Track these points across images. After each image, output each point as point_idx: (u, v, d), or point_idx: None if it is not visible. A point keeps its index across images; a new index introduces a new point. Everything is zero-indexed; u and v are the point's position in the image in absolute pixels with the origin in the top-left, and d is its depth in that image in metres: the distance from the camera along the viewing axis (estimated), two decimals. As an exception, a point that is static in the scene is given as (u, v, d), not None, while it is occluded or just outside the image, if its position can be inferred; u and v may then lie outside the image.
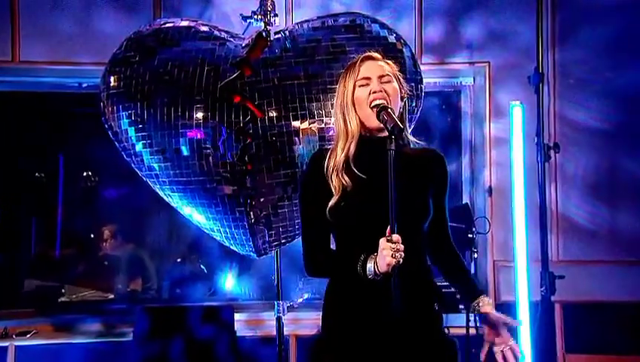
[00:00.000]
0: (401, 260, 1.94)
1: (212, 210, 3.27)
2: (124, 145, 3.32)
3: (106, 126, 3.36)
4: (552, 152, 3.75)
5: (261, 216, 3.25)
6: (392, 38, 3.36)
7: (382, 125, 2.07)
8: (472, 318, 4.14)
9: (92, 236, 5.93)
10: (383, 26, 3.42)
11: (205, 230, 3.48)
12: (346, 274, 2.07)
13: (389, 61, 2.26)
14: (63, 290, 5.28)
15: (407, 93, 2.26)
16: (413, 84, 3.32)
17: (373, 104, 2.11)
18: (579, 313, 4.35)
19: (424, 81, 4.75)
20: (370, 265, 2.02)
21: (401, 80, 2.24)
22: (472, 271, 4.32)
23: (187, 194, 3.27)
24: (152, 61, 3.25)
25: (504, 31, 4.69)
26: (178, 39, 3.31)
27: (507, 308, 4.21)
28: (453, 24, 4.68)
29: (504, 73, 4.65)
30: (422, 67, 4.62)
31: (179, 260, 5.98)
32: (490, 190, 4.61)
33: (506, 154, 4.36)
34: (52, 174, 5.75)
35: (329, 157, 2.16)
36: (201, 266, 5.78)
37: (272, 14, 3.49)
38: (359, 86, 2.16)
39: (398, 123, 2.02)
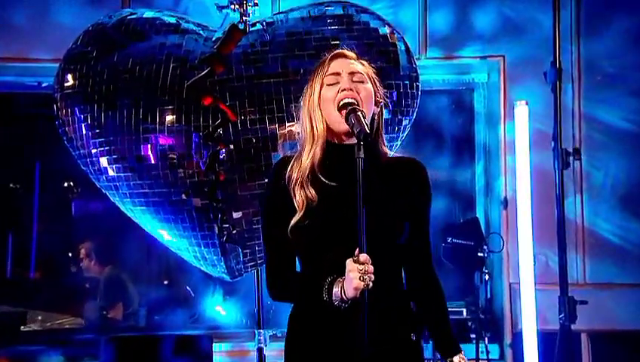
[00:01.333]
0: (371, 283, 1.92)
1: (178, 226, 3.28)
2: (81, 152, 3.34)
3: (60, 131, 3.39)
4: (571, 159, 3.72)
5: (234, 233, 3.26)
6: (384, 30, 3.36)
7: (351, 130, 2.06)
8: (482, 349, 4.12)
9: (70, 255, 5.97)
10: (374, 16, 3.43)
11: (172, 249, 3.49)
12: (311, 300, 2.06)
13: (363, 61, 2.22)
14: (39, 317, 5.29)
15: (384, 99, 2.25)
16: (408, 82, 3.33)
17: (341, 103, 2.10)
18: (608, 344, 4.31)
19: (431, 78, 4.85)
20: (336, 290, 1.99)
21: (377, 83, 2.23)
22: (484, 294, 4.29)
23: (150, 208, 3.28)
24: (111, 57, 3.28)
25: (521, 20, 4.69)
26: (141, 32, 3.34)
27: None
28: (462, 13, 4.69)
29: (521, 68, 4.63)
30: (428, 62, 4.68)
31: (166, 282, 5.99)
32: (505, 201, 4.59)
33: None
34: (28, 184, 5.80)
35: (291, 167, 2.13)
36: (188, 289, 5.78)
37: (249, 3, 3.50)
38: (327, 85, 2.14)
39: (366, 128, 2.00)
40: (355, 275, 1.92)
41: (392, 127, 3.30)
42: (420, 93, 3.40)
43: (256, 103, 3.17)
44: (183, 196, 3.22)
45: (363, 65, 2.22)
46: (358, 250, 1.94)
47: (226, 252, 3.30)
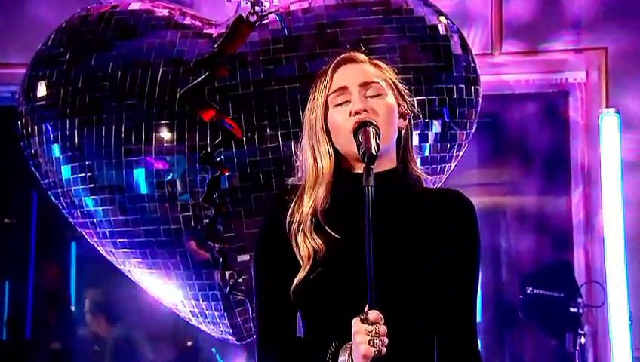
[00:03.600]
0: (384, 349, 1.89)
1: (170, 273, 3.32)
2: (50, 181, 3.42)
3: (26, 153, 3.48)
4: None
5: (240, 281, 3.27)
6: (432, 20, 3.35)
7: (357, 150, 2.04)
8: None
9: (72, 309, 6.09)
10: (419, 2, 3.41)
11: (165, 303, 3.53)
12: None
13: (379, 62, 2.19)
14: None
15: (411, 109, 2.20)
16: (463, 86, 3.30)
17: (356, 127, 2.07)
18: None
19: (511, 78, 4.80)
20: (343, 359, 1.95)
21: (400, 89, 2.20)
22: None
23: (135, 250, 3.32)
24: (89, 60, 3.36)
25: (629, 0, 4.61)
26: (125, 28, 3.41)
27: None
28: (550, -7, 4.66)
29: (630, 64, 4.54)
30: (505, 58, 4.64)
31: (189, 344, 6.04)
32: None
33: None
34: (24, 219, 5.95)
35: (293, 209, 2.11)
36: (214, 351, 5.82)
37: (263, -12, 3.54)
38: (334, 105, 2.12)
39: (372, 146, 1.98)
40: (363, 339, 1.88)
41: (443, 145, 3.28)
42: (480, 99, 3.37)
43: (267, 115, 3.19)
44: (175, 236, 3.25)
45: (378, 67, 2.19)
46: (367, 306, 1.90)
47: (230, 306, 3.31)
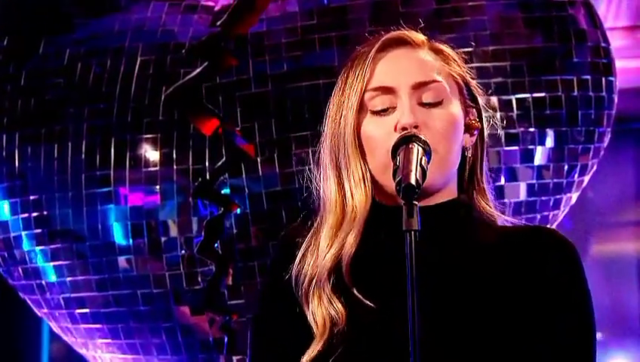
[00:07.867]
0: None
1: (152, 360, 3.34)
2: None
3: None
4: None
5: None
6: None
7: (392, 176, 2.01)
8: None
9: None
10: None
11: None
12: None
13: (444, 47, 2.18)
14: None
15: (486, 118, 2.20)
16: (589, 77, 3.28)
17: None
18: None
19: None
20: None
21: (474, 88, 2.20)
22: None
23: (102, 326, 3.36)
24: (35, 48, 3.41)
25: None
26: (89, 4, 3.47)
27: None
28: None
29: None
30: None
31: None
32: None
33: None
34: None
35: (302, 258, 2.15)
36: None
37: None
38: (373, 112, 2.14)
39: (414, 172, 1.94)
40: None
41: (558, 166, 3.27)
42: (615, 97, 3.35)
43: (293, 125, 3.23)
44: (161, 304, 3.26)
45: (441, 54, 2.18)
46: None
47: (241, 406, 3.33)
